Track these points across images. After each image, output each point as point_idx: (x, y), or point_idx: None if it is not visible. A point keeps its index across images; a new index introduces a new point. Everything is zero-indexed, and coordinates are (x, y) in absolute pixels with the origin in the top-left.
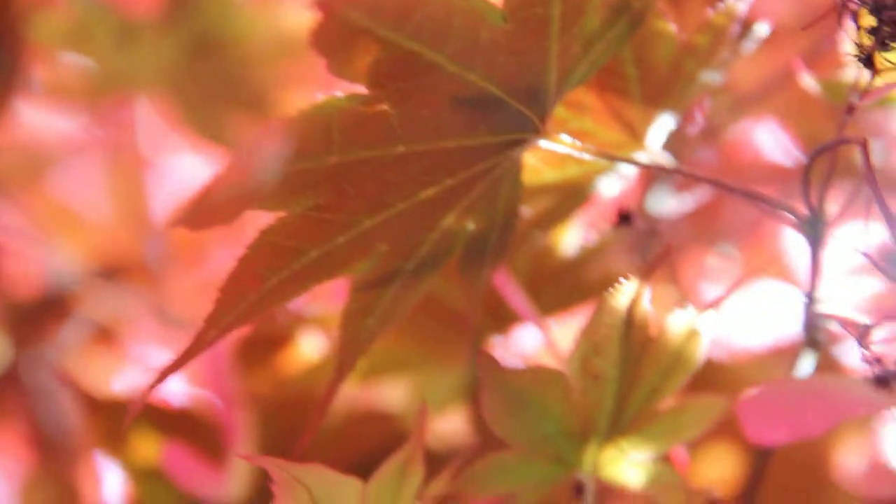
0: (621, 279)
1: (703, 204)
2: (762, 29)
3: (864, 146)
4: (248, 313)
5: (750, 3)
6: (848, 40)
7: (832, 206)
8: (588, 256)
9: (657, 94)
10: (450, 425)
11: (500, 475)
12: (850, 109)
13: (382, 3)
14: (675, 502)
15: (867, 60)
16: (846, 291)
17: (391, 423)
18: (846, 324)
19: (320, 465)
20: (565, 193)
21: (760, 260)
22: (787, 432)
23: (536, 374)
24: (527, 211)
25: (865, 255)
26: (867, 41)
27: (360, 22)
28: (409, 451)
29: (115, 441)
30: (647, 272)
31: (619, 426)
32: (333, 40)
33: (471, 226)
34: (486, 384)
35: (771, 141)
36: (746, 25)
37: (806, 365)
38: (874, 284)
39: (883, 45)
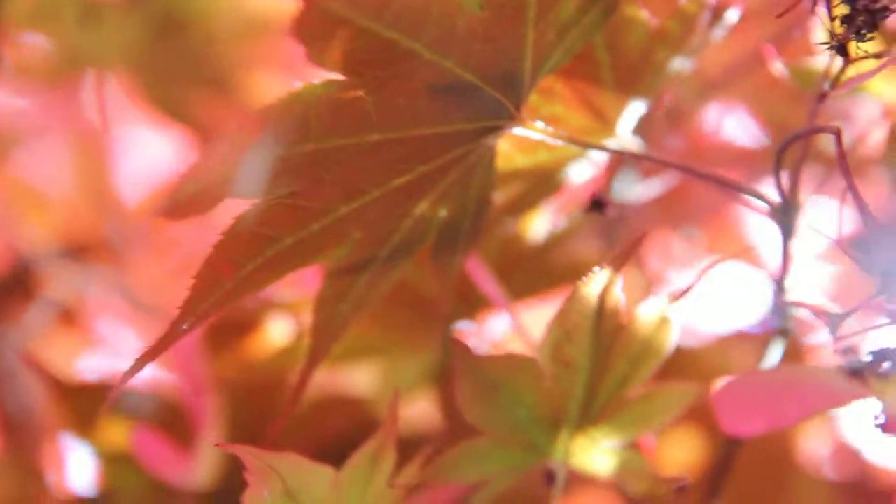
0: (593, 267)
1: (670, 189)
2: (733, 15)
3: (838, 135)
4: (223, 300)
5: None
6: (821, 28)
7: (803, 193)
8: (557, 242)
9: (628, 81)
10: (419, 410)
11: (472, 462)
12: (822, 97)
13: None
14: (643, 489)
15: (840, 49)
16: (817, 279)
17: (361, 407)
18: (818, 313)
19: (293, 453)
20: (536, 179)
21: (727, 243)
22: (762, 423)
23: (509, 362)
24: (498, 197)
25: (837, 243)
26: (840, 29)
27: (339, 11)
28: (381, 439)
29: (82, 425)
30: (618, 261)
31: (590, 414)
32: (313, 29)
33: (444, 212)
34: (459, 371)
35: (739, 125)
36: (717, 12)
37: (775, 352)
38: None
39: (857, 34)
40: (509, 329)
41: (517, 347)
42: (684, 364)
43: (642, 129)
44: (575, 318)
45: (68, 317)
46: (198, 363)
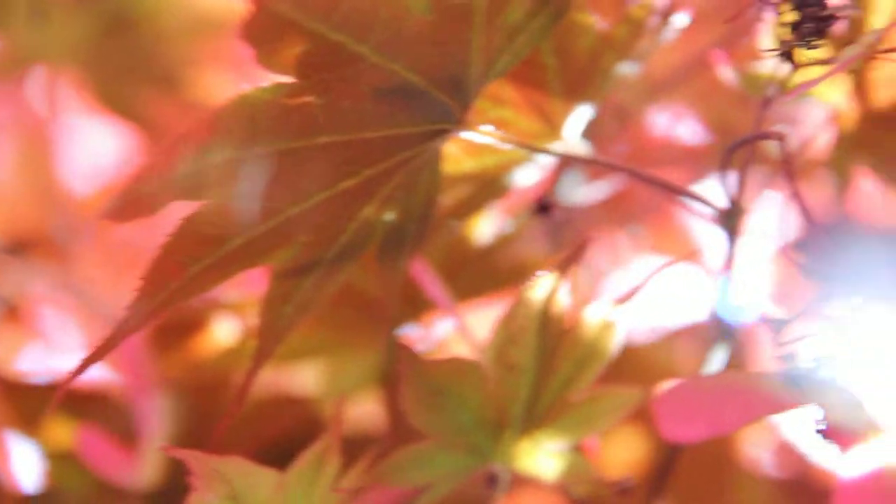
0: (537, 272)
1: (617, 190)
2: (681, 20)
3: (784, 141)
4: (170, 301)
5: None
6: (768, 34)
7: (748, 196)
8: (503, 244)
9: (576, 85)
10: (365, 411)
11: (416, 466)
12: (767, 103)
13: None
14: (587, 492)
15: (787, 56)
16: (761, 283)
17: (306, 407)
18: (761, 317)
19: (238, 457)
20: (482, 182)
21: (673, 243)
22: (701, 430)
23: (453, 366)
24: (445, 200)
25: (780, 248)
26: (787, 36)
27: (287, 14)
28: (326, 442)
29: (27, 423)
30: (563, 265)
31: (534, 417)
32: (261, 31)
33: (390, 216)
34: (404, 375)
35: (686, 128)
36: (666, 16)
37: (718, 355)
38: (790, 277)
39: (804, 42)
40: (454, 331)
41: (462, 350)
42: (629, 364)
43: (590, 132)
44: (520, 321)
45: (12, 313)
46: (143, 363)
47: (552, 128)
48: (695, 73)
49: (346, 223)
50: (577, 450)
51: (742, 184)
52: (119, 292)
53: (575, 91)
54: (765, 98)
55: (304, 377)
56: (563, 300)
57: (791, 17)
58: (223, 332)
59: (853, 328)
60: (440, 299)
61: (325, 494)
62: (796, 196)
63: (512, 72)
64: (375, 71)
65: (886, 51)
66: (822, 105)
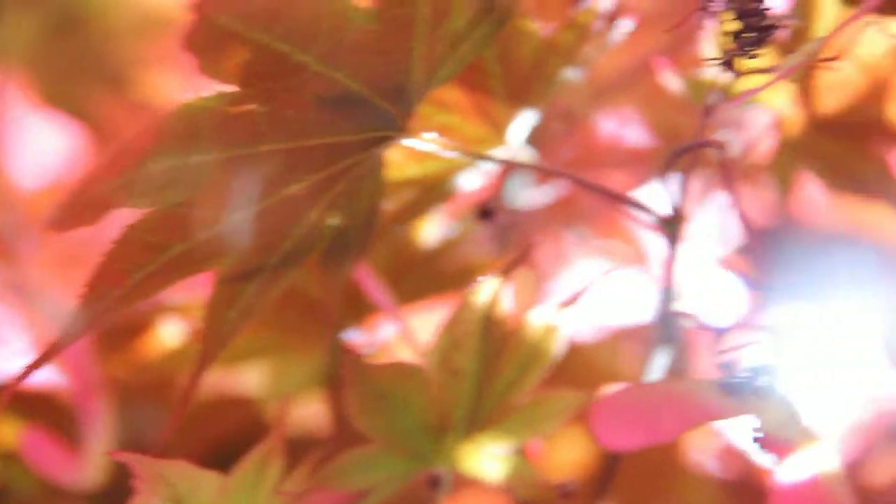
0: (482, 275)
1: (562, 194)
2: (625, 25)
3: (723, 150)
4: (113, 308)
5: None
6: (711, 42)
7: (690, 203)
8: (448, 248)
9: (520, 91)
10: (309, 413)
11: (360, 469)
12: (710, 110)
13: (252, 7)
14: (529, 495)
15: (729, 64)
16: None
17: (251, 409)
18: (700, 325)
19: (182, 460)
20: (427, 188)
21: (619, 246)
22: (638, 438)
23: (397, 370)
24: (388, 205)
25: (721, 257)
26: (729, 45)
27: (229, 25)
28: (269, 445)
29: None
30: (507, 269)
31: (477, 420)
32: (204, 42)
33: (334, 221)
34: (348, 379)
35: (629, 131)
36: (610, 21)
37: (660, 360)
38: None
39: (744, 51)
40: (398, 335)
41: (405, 354)
42: (573, 368)
43: (535, 136)
44: (463, 325)
45: None
46: (89, 364)
47: (497, 132)
48: (640, 78)
49: (289, 229)
50: (521, 453)
51: (684, 190)
52: (66, 292)
53: (519, 96)
54: (707, 105)
55: (248, 379)
56: (507, 304)
57: (733, 26)
58: (169, 335)
59: (793, 336)
60: (384, 303)
61: (268, 497)
62: (737, 203)
63: (457, 79)
64: (318, 80)
65: (828, 59)
66: (767, 110)
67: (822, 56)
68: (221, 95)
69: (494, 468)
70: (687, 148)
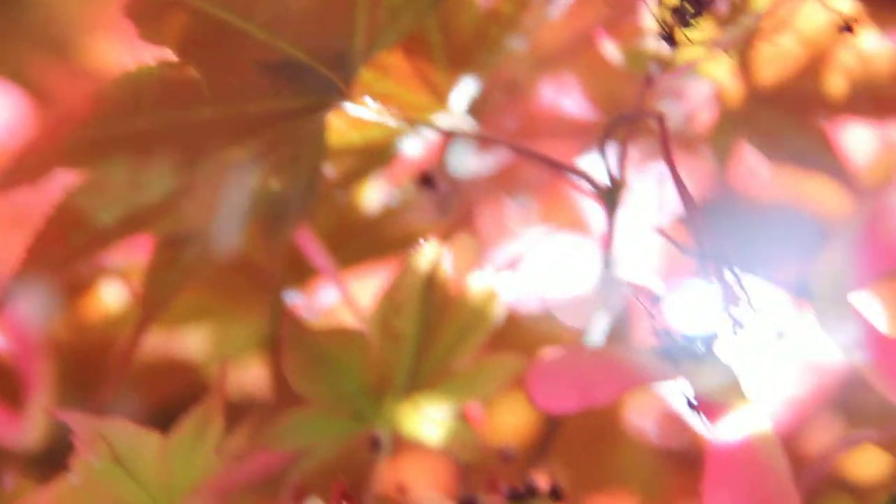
0: (422, 239)
1: (503, 162)
2: None
3: (661, 121)
4: (54, 270)
5: None
6: (650, 14)
7: (629, 172)
8: (389, 214)
9: (461, 60)
10: (249, 376)
11: (299, 430)
12: (649, 82)
13: None
14: (469, 458)
15: (668, 35)
16: (641, 256)
17: (191, 371)
18: (639, 291)
19: (121, 419)
20: (368, 154)
21: (560, 214)
22: (574, 401)
23: (337, 333)
24: (330, 171)
25: (658, 225)
26: (669, 17)
27: None
28: (209, 405)
29: None
30: (447, 234)
31: (417, 383)
32: (145, 8)
33: (275, 185)
34: (288, 342)
35: (570, 100)
36: None
37: (599, 325)
38: (668, 252)
39: (684, 23)
40: (339, 299)
41: (346, 318)
42: (512, 333)
43: (477, 105)
44: (403, 290)
45: None
46: (30, 326)
47: (438, 100)
48: (581, 48)
49: (230, 193)
50: (461, 417)
51: (622, 160)
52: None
53: (461, 65)
54: (648, 75)
55: (189, 341)
56: (447, 269)
57: None
58: (110, 297)
59: (730, 302)
60: (325, 268)
61: (208, 457)
62: (674, 173)
63: (399, 46)
64: (260, 47)
65: (767, 31)
66: (707, 82)
67: (761, 29)
68: (162, 62)
69: (434, 431)
70: (626, 118)
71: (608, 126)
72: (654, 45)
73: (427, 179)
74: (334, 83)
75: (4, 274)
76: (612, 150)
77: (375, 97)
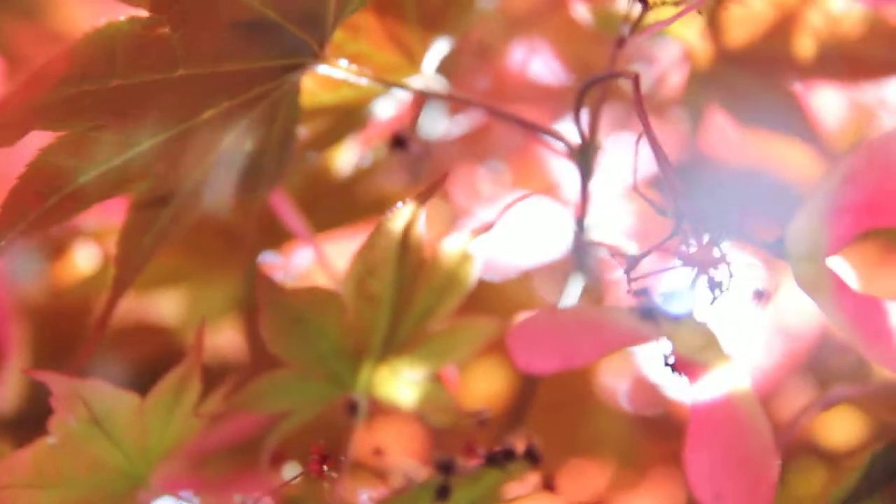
0: (397, 202)
1: (476, 125)
2: None
3: (636, 80)
4: (28, 231)
5: None
6: None
7: (602, 134)
8: (362, 177)
9: (433, 20)
10: (225, 339)
11: (276, 393)
12: (621, 42)
13: None
14: (445, 421)
15: None
16: (615, 219)
17: (167, 335)
18: (614, 253)
19: (99, 380)
20: (341, 115)
21: (531, 178)
22: (555, 362)
23: (312, 295)
24: (304, 132)
25: (633, 185)
26: None
27: None
28: (186, 367)
29: None
30: (422, 197)
31: (393, 346)
32: None
33: (248, 147)
34: (264, 304)
35: (541, 63)
36: None
37: (574, 290)
38: (643, 213)
39: None
40: (313, 262)
41: (321, 280)
42: (487, 297)
43: (448, 66)
44: (378, 252)
45: None
46: (3, 288)
47: (411, 61)
48: (552, 10)
49: (204, 155)
50: (436, 379)
51: (595, 121)
52: None
53: (433, 26)
54: (619, 37)
55: (164, 304)
56: (422, 232)
57: None
58: (84, 260)
59: (704, 263)
60: (299, 230)
61: (185, 418)
62: (648, 135)
63: (371, 7)
64: (233, 5)
65: None
66: (676, 43)
67: None
68: (135, 19)
69: (409, 394)
70: (600, 78)
71: (582, 87)
72: (625, 6)
73: (399, 141)
74: (308, 44)
75: None
76: (585, 112)
77: (348, 58)
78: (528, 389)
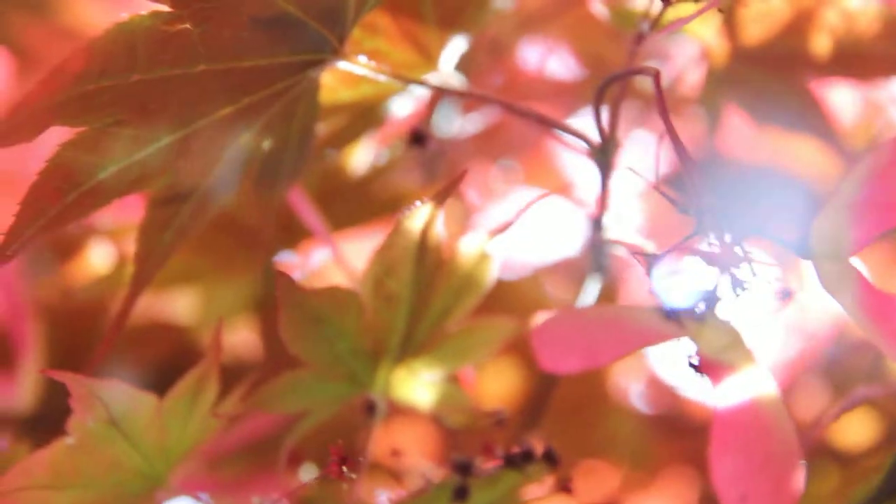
0: (413, 200)
1: (490, 123)
2: None
3: (657, 78)
4: (47, 227)
5: None
6: None
7: (621, 131)
8: (378, 174)
9: (450, 17)
10: (240, 338)
11: (294, 393)
12: (640, 39)
13: None
14: (462, 422)
15: None
16: (635, 217)
17: (181, 334)
18: (635, 252)
19: (118, 381)
20: (358, 113)
21: (544, 177)
22: (579, 361)
23: (332, 295)
24: (321, 129)
25: (653, 183)
26: None
27: None
28: (204, 368)
29: None
30: (440, 196)
31: (411, 347)
32: None
33: (267, 144)
34: (283, 303)
35: (559, 61)
36: None
37: (591, 289)
38: (664, 211)
39: None
40: (330, 260)
41: (338, 278)
42: (504, 297)
43: (464, 64)
44: (396, 252)
45: None
46: (19, 288)
47: (427, 59)
48: (568, 7)
49: (223, 151)
50: (453, 380)
51: (615, 119)
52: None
53: (450, 23)
54: (638, 34)
55: (180, 304)
56: (440, 232)
57: None
58: (99, 259)
59: (724, 262)
60: (316, 228)
61: (203, 419)
62: (670, 132)
63: (388, 3)
64: (254, 0)
65: None
66: (693, 41)
67: None
68: (157, 14)
69: (426, 394)
70: (621, 74)
71: (602, 84)
72: (643, 2)
73: (418, 137)
74: (328, 40)
75: None
76: (604, 109)
77: (364, 55)
78: (544, 390)
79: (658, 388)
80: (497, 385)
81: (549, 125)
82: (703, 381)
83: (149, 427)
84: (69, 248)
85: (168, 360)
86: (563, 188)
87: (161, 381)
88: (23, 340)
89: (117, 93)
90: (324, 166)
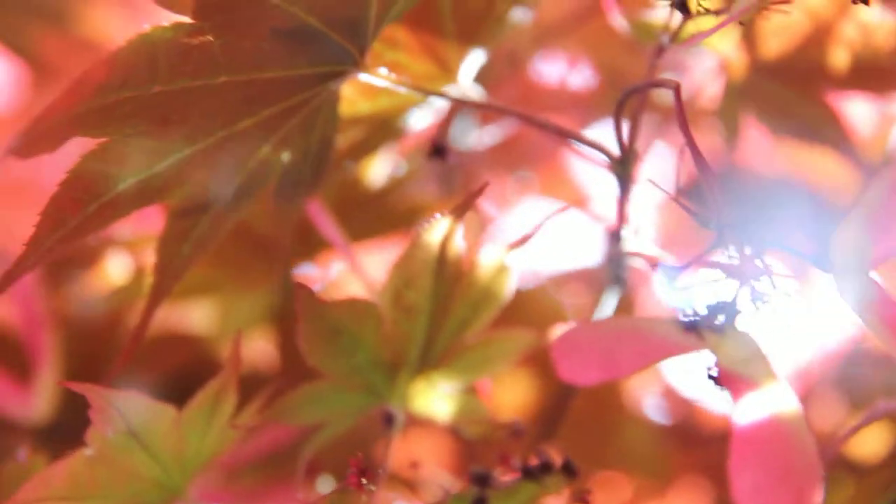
0: (431, 212)
1: (507, 136)
2: None
3: (677, 90)
4: (68, 238)
5: None
6: None
7: (641, 144)
8: (397, 186)
9: (470, 30)
10: (257, 349)
11: (312, 405)
12: (660, 52)
13: None
14: (479, 433)
15: (681, 5)
16: (654, 230)
17: (199, 345)
18: (654, 264)
19: (136, 392)
20: (378, 125)
21: (561, 188)
22: (599, 372)
23: (351, 306)
24: (341, 141)
25: (673, 195)
26: None
27: None
28: (222, 380)
29: None
30: (459, 209)
31: (429, 358)
32: None
33: (286, 155)
34: (302, 315)
35: (577, 74)
36: None
37: (609, 301)
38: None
39: None
40: (349, 272)
41: (356, 290)
42: (521, 308)
43: (483, 76)
44: (416, 264)
45: None
46: (36, 298)
47: (446, 72)
48: (587, 19)
49: (243, 163)
50: (471, 391)
51: (634, 131)
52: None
53: (469, 35)
54: (657, 46)
55: (197, 315)
56: (459, 244)
57: None
58: (117, 270)
59: (744, 275)
60: (335, 240)
61: (221, 431)
62: (690, 145)
63: (408, 16)
64: (275, 12)
65: (776, 2)
66: (712, 54)
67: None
68: (178, 26)
69: (444, 406)
70: (641, 87)
71: (623, 96)
72: (663, 15)
73: (437, 149)
74: (349, 52)
75: (12, 247)
76: (623, 121)
77: (385, 67)
78: (561, 401)
79: (673, 399)
80: (514, 396)
81: (567, 137)
82: (723, 393)
83: (167, 438)
84: (88, 259)
85: (186, 371)
86: (580, 200)
87: (179, 392)
88: (41, 351)
89: (138, 104)
90: (343, 178)
